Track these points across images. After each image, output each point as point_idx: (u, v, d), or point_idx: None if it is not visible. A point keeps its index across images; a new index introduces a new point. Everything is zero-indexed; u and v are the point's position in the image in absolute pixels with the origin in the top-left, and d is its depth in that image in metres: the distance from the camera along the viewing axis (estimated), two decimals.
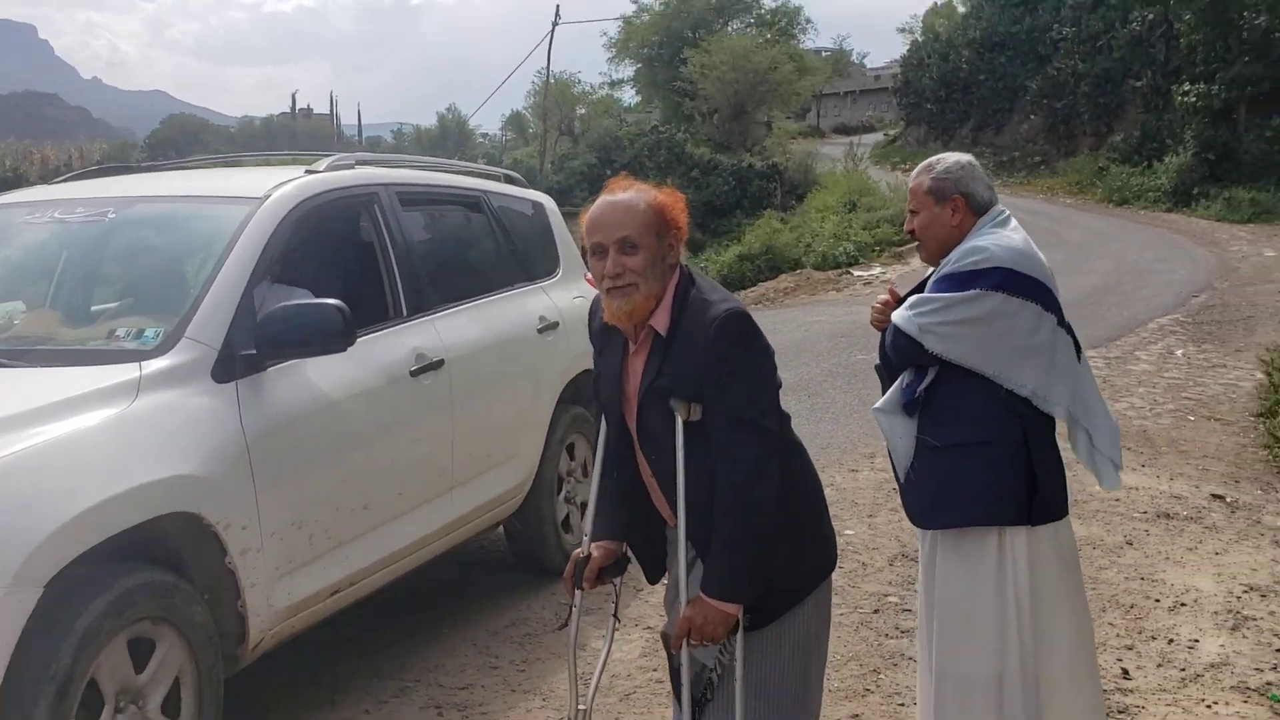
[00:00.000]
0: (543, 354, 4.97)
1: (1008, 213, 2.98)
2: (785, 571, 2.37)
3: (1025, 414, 2.84)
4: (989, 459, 2.81)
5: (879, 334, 3.09)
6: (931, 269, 3.01)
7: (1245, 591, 4.62)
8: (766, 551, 2.30)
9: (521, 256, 5.23)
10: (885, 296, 3.11)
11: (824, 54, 54.83)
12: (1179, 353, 10.54)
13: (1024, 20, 38.61)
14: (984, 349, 2.81)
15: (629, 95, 50.67)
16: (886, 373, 3.07)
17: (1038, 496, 2.81)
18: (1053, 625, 2.87)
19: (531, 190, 5.78)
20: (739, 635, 2.35)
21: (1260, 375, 8.71)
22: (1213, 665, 3.95)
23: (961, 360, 2.82)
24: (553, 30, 34.71)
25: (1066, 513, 2.93)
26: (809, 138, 47.20)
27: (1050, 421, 2.90)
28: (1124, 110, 34.10)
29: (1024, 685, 2.84)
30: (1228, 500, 5.90)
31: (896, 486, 3.11)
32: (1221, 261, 18.49)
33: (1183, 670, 3.93)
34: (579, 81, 45.50)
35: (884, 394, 3.07)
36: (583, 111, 42.99)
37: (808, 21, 48.65)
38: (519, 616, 4.65)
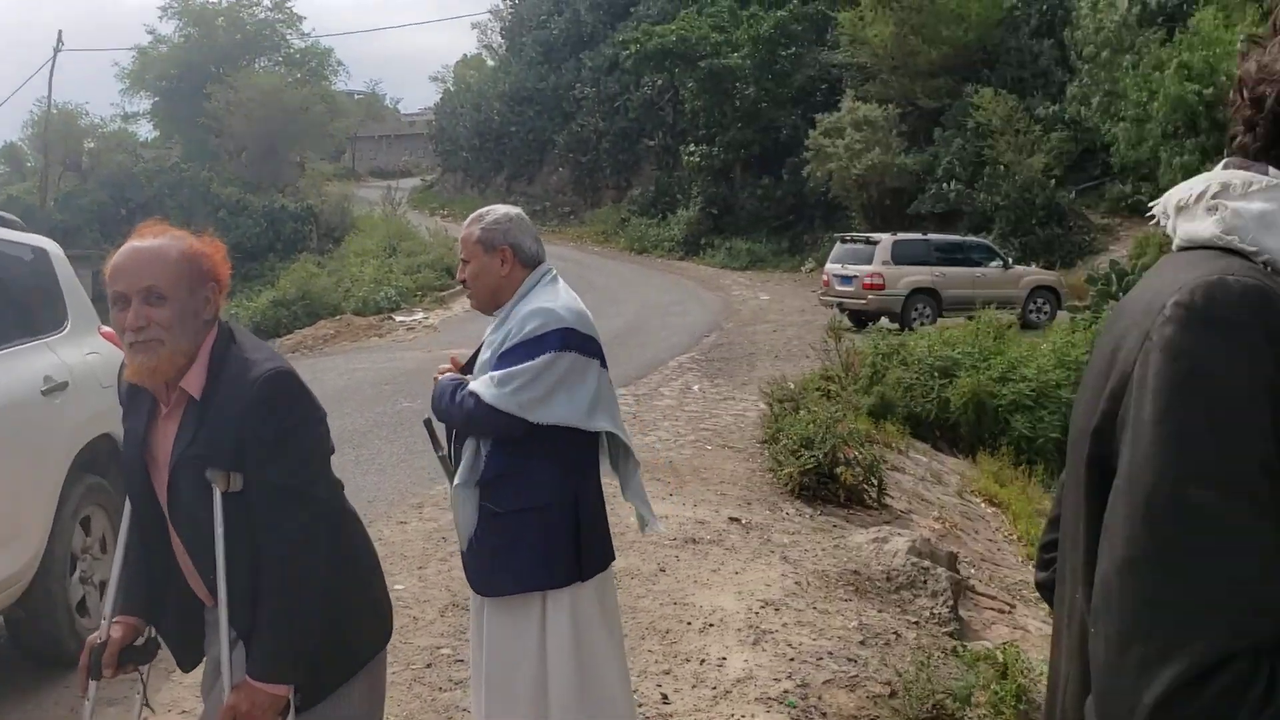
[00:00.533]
0: (49, 418, 4.41)
1: (555, 271, 3.10)
2: (338, 646, 2.26)
3: (579, 475, 2.96)
4: (546, 523, 2.88)
5: (427, 381, 3.08)
6: (489, 325, 3.05)
7: (762, 607, 5.11)
8: (316, 627, 2.17)
9: (21, 309, 4.62)
10: (446, 365, 3.12)
11: (356, 96, 54.42)
12: (696, 388, 11.60)
13: (549, 78, 40.94)
14: (571, 406, 2.88)
15: (146, 129, 47.13)
16: (441, 431, 3.07)
17: (586, 553, 2.93)
18: (595, 666, 2.98)
19: (31, 234, 5.13)
20: (289, 718, 2.20)
21: (763, 406, 9.76)
22: (739, 680, 4.31)
23: (559, 421, 2.86)
24: (54, 56, 31.43)
25: (614, 558, 3.09)
26: (345, 180, 46.61)
27: (597, 481, 3.04)
28: (640, 167, 37.28)
29: None
30: (743, 522, 6.52)
31: (448, 537, 3.11)
32: (726, 304, 20.71)
33: (714, 689, 4.25)
34: (87, 113, 41.53)
35: (433, 446, 3.07)
36: (92, 145, 39.10)
37: (339, 64, 48.35)
38: (25, 717, 4.07)
